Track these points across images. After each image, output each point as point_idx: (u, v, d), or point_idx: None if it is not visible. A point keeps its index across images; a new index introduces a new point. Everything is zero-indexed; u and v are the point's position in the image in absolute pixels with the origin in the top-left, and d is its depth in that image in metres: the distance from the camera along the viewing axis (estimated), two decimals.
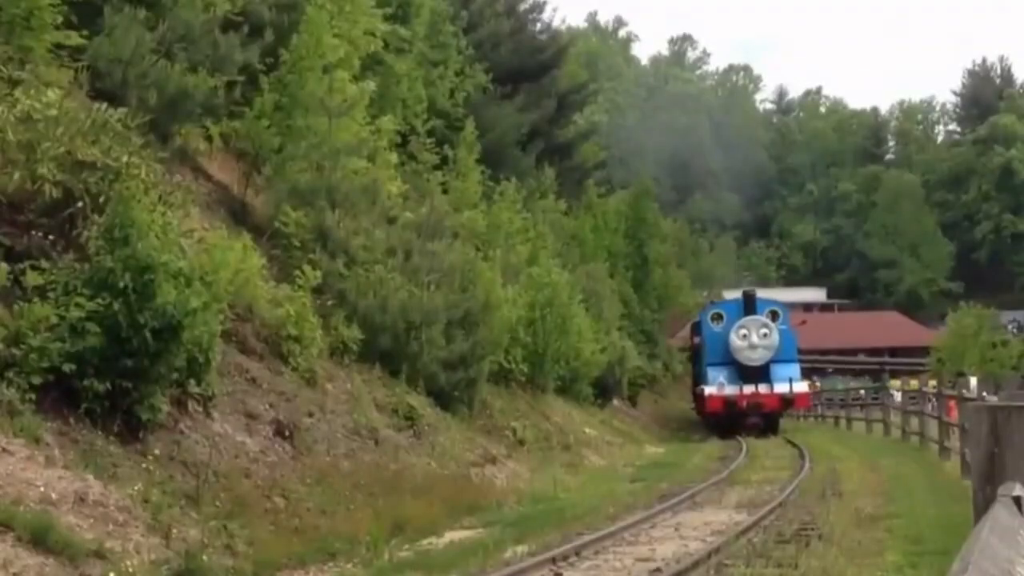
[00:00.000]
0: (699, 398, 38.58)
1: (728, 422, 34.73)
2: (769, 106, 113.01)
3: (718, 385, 35.45)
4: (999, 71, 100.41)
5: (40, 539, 8.24)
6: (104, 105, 12.50)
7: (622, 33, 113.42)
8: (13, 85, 12.21)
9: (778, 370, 35.67)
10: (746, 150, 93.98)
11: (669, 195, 70.35)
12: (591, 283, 34.04)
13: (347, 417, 15.30)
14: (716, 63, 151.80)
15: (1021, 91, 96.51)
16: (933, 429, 22.68)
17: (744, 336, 35.91)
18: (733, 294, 45.64)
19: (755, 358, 35.66)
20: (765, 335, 35.77)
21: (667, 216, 59.09)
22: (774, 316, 37.25)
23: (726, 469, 20.82)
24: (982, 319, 54.02)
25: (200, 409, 12.04)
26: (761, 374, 35.55)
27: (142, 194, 11.27)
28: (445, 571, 10.31)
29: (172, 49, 16.90)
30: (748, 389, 35.12)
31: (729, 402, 34.92)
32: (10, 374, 9.76)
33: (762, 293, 42.15)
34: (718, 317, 37.50)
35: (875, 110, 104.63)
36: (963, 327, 53.35)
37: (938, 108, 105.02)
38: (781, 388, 35.33)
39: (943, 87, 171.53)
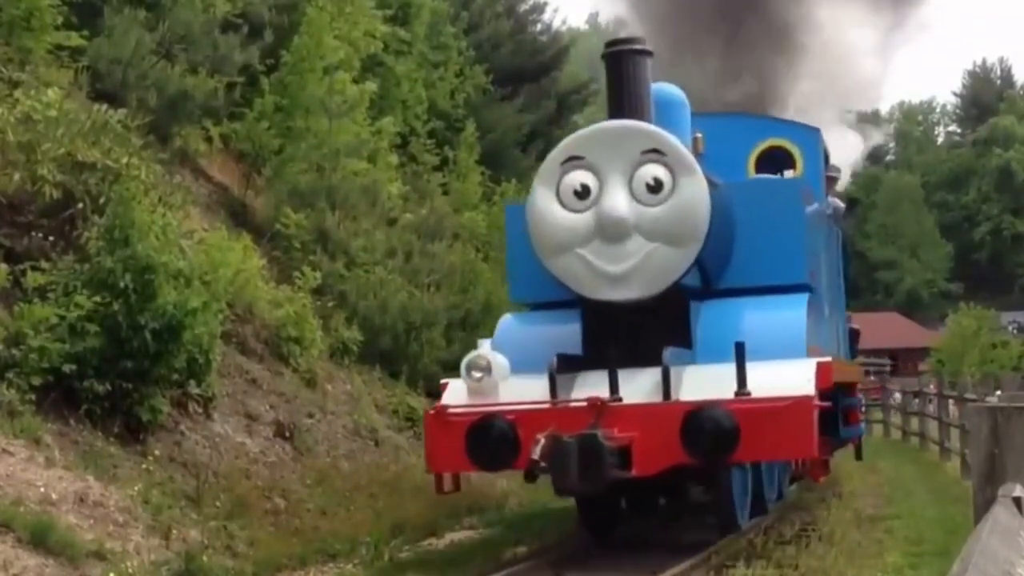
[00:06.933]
0: None
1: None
2: None
3: (474, 374, 9.58)
4: (999, 72, 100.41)
5: (40, 540, 8.24)
6: (104, 106, 12.50)
7: (623, 34, 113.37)
8: (13, 86, 12.22)
9: (723, 320, 9.83)
10: None
11: None
12: None
13: (347, 418, 15.31)
14: None
15: (1021, 92, 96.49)
16: (933, 430, 22.69)
17: (578, 194, 9.74)
18: None
19: (618, 274, 9.65)
20: (653, 188, 9.57)
21: None
22: (782, 157, 12.64)
23: None
24: (982, 320, 54.07)
25: (200, 410, 12.05)
26: (644, 338, 9.51)
27: (142, 195, 11.28)
28: (445, 572, 10.31)
29: (172, 50, 16.92)
30: (584, 391, 9.19)
31: (490, 441, 9.08)
32: (10, 375, 9.77)
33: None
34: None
35: (875, 111, 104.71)
36: (963, 328, 53.39)
37: (938, 109, 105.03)
38: (705, 386, 8.98)
39: (943, 88, 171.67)
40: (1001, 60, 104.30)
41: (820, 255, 11.72)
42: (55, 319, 10.11)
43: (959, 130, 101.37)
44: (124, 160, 11.55)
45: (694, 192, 9.74)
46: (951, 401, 21.05)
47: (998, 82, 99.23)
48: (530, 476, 9.02)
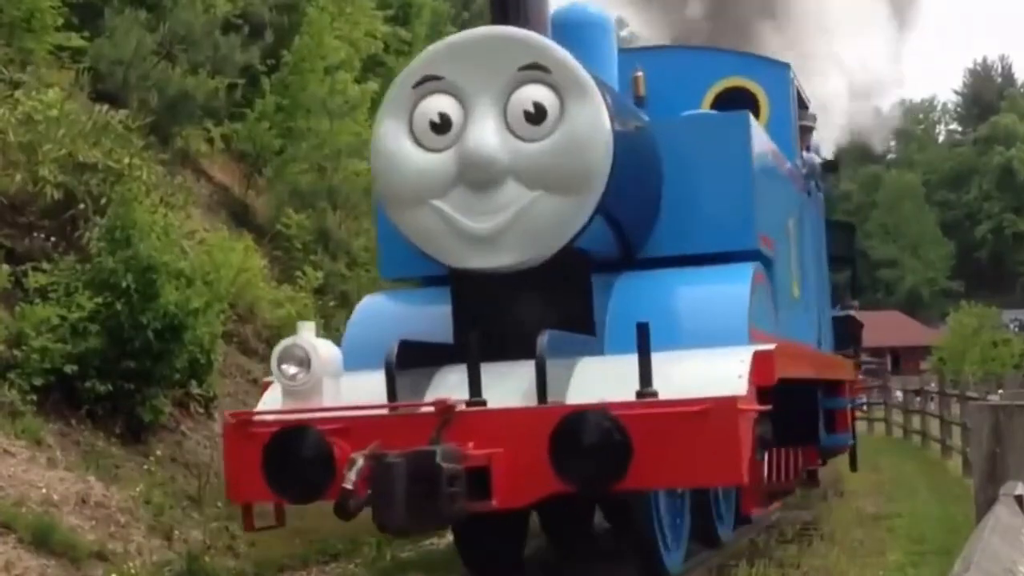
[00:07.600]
0: None
1: None
2: None
3: (286, 368, 6.98)
4: (1000, 70, 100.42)
5: (42, 541, 8.25)
6: (105, 107, 12.51)
7: (624, 33, 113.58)
8: (14, 87, 12.23)
9: (642, 297, 7.43)
10: None
11: None
12: None
13: None
14: None
15: (1022, 91, 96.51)
16: (935, 428, 22.70)
17: (435, 127, 7.07)
18: None
19: (486, 233, 7.02)
20: (533, 116, 6.91)
21: None
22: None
23: None
24: (983, 318, 54.07)
25: (202, 410, 12.06)
26: (527, 322, 6.86)
27: (143, 196, 11.28)
28: (448, 571, 10.31)
29: (173, 51, 16.93)
30: (443, 391, 6.70)
31: (294, 462, 6.46)
32: (12, 375, 9.77)
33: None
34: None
35: (876, 109, 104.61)
36: (964, 326, 53.39)
37: (939, 107, 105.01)
38: (601, 385, 6.45)
39: (944, 86, 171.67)
40: (1002, 58, 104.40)
41: (784, 218, 9.47)
42: (56, 320, 10.11)
43: (960, 128, 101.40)
44: (125, 161, 11.56)
45: (588, 121, 6.96)
46: (953, 399, 21.06)
47: (999, 80, 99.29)
48: (343, 511, 6.11)
